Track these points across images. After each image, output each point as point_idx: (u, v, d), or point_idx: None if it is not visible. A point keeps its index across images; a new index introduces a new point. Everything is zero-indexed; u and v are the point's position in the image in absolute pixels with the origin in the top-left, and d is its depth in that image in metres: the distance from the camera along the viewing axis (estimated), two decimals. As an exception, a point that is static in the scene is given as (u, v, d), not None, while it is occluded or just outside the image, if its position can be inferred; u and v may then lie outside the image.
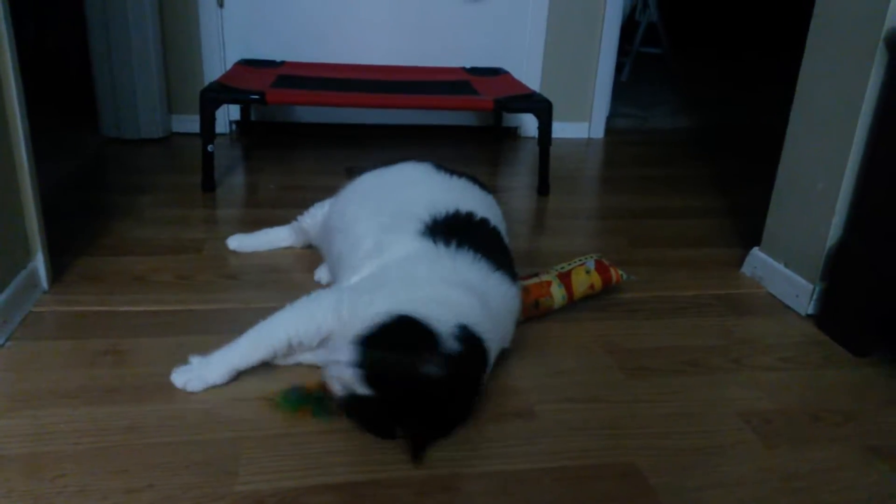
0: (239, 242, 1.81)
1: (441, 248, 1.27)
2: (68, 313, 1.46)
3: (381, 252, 1.29)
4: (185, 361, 1.29)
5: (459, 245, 1.27)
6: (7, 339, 1.34)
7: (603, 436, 1.16)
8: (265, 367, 1.29)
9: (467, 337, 1.11)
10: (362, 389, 1.05)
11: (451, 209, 1.36)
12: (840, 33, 1.52)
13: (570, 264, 1.59)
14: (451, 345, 1.09)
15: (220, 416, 1.16)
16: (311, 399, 1.18)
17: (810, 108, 1.62)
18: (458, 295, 1.18)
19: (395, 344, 1.08)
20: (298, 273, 1.69)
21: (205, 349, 1.34)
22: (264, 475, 1.04)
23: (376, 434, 1.11)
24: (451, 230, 1.31)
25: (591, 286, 1.57)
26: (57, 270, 1.59)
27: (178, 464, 1.05)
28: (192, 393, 1.21)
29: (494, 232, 1.40)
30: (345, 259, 1.37)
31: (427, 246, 1.27)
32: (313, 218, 1.72)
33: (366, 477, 1.05)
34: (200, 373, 1.22)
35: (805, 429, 1.22)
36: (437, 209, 1.35)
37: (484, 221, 1.39)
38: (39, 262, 1.51)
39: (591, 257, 1.62)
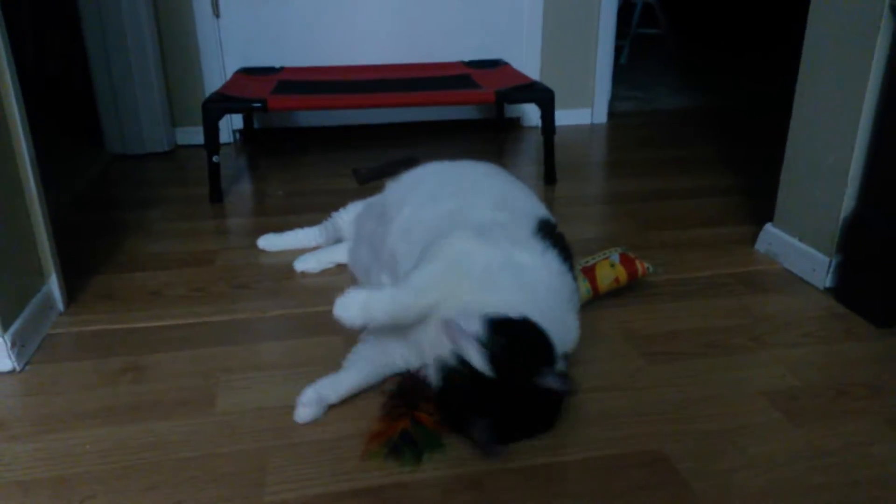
0: (268, 241, 1.83)
1: (564, 267, 1.22)
2: (85, 333, 1.46)
3: (507, 244, 1.19)
4: (204, 375, 1.30)
5: (570, 265, 1.25)
6: (26, 363, 1.35)
7: (627, 424, 1.16)
8: (288, 375, 1.29)
9: (565, 363, 1.12)
10: (481, 365, 1.01)
11: (547, 216, 1.33)
12: (843, 1, 1.50)
13: (594, 258, 1.57)
14: (560, 366, 1.09)
15: (243, 428, 1.16)
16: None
17: (816, 79, 1.60)
18: (570, 321, 1.18)
19: (523, 343, 1.06)
20: (311, 278, 1.69)
21: (224, 361, 1.35)
22: (291, 484, 1.04)
23: (452, 422, 1.10)
24: (558, 240, 1.26)
25: (616, 280, 1.54)
26: (72, 291, 1.60)
27: (205, 478, 1.05)
28: (214, 405, 1.21)
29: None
30: (427, 225, 1.27)
31: (555, 262, 1.21)
32: (349, 214, 1.72)
33: (391, 480, 1.04)
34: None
35: (831, 404, 1.21)
36: (539, 212, 1.32)
37: (563, 236, 1.33)
38: (54, 285, 1.51)
39: (616, 250, 1.59)
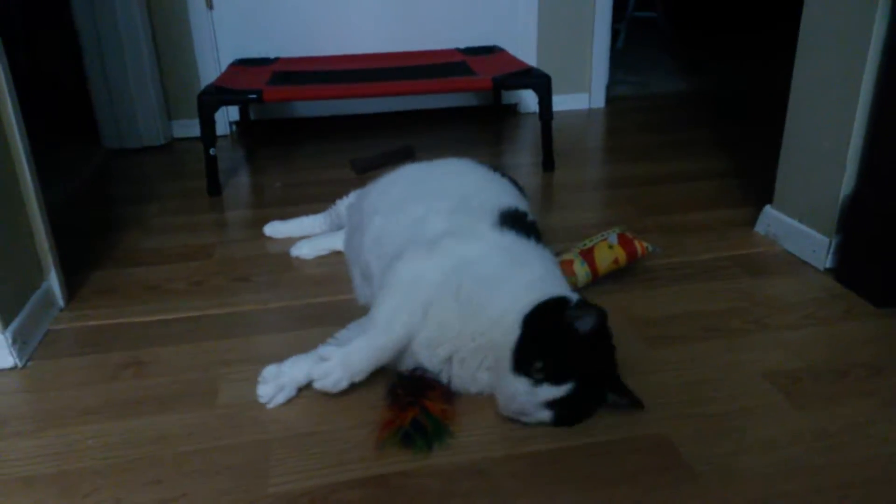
0: (273, 229, 1.86)
1: (527, 241, 1.26)
2: (86, 329, 1.46)
3: (463, 238, 1.24)
4: (205, 368, 1.30)
5: (534, 241, 1.28)
6: (28, 360, 1.35)
7: (628, 410, 1.16)
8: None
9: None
10: (557, 393, 1.05)
11: (513, 206, 1.35)
12: (839, -20, 1.49)
13: (592, 240, 1.56)
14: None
15: (245, 420, 1.16)
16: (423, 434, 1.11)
17: (814, 59, 1.59)
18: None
19: (550, 328, 1.08)
20: (309, 269, 1.69)
21: (225, 353, 1.35)
22: (294, 475, 1.04)
23: (589, 414, 1.12)
24: (523, 226, 1.30)
25: (616, 261, 1.53)
26: (72, 287, 1.60)
27: (209, 470, 1.05)
28: (216, 398, 1.21)
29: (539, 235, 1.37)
30: (395, 237, 1.32)
31: (510, 239, 1.25)
32: (349, 202, 1.74)
33: (395, 468, 1.05)
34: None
35: (833, 385, 1.21)
36: (504, 204, 1.33)
37: (535, 224, 1.37)
38: (54, 281, 1.51)
39: (614, 231, 1.59)
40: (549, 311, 1.09)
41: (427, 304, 1.15)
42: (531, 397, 1.05)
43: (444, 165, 1.56)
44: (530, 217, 1.38)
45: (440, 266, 1.17)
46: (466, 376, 1.16)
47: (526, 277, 1.16)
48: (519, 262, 1.20)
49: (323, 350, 1.18)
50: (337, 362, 1.15)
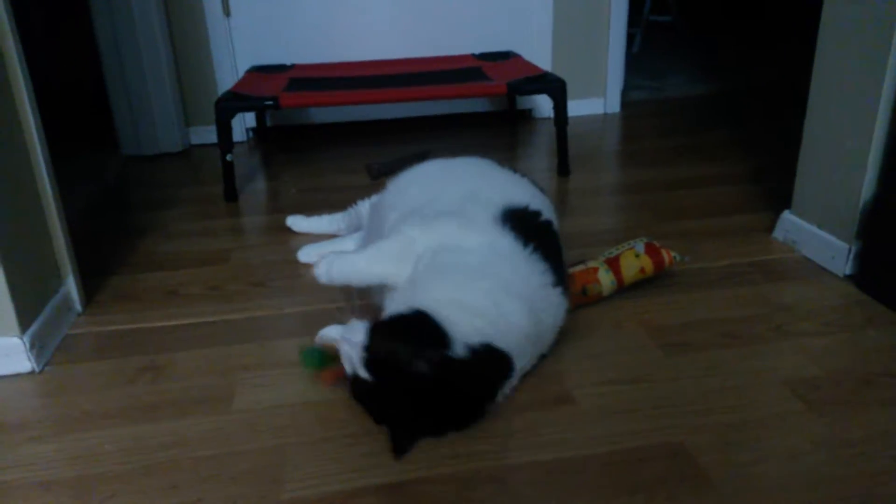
0: (295, 221, 1.94)
1: (518, 248, 1.24)
2: (104, 333, 1.47)
3: (457, 230, 1.27)
4: (222, 373, 1.31)
5: (534, 249, 1.25)
6: (46, 364, 1.36)
7: (647, 417, 1.15)
8: (305, 372, 1.29)
9: (485, 349, 1.09)
10: (364, 373, 1.08)
11: (523, 203, 1.34)
12: (859, -16, 1.47)
13: (618, 249, 1.55)
14: (460, 351, 1.06)
15: (261, 425, 1.16)
16: (330, 360, 1.20)
17: (833, 63, 1.57)
18: (509, 307, 1.15)
19: (403, 337, 1.09)
20: (326, 275, 1.69)
21: (241, 358, 1.35)
22: (310, 481, 1.04)
23: (372, 418, 1.14)
24: (526, 228, 1.28)
25: (642, 270, 1.52)
26: (89, 292, 1.61)
27: (225, 476, 1.06)
28: (232, 403, 1.21)
29: (556, 236, 1.36)
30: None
31: (505, 242, 1.24)
32: (372, 201, 1.76)
33: (411, 476, 1.04)
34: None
35: (855, 393, 1.19)
36: (511, 200, 1.33)
37: (549, 224, 1.36)
38: (72, 286, 1.53)
39: (641, 240, 1.57)
40: (414, 321, 1.10)
41: (406, 265, 1.22)
42: (343, 346, 1.09)
43: (461, 163, 1.54)
44: (545, 217, 1.35)
45: (433, 240, 1.24)
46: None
47: (463, 291, 1.15)
48: (484, 273, 1.19)
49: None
50: (326, 260, 1.29)
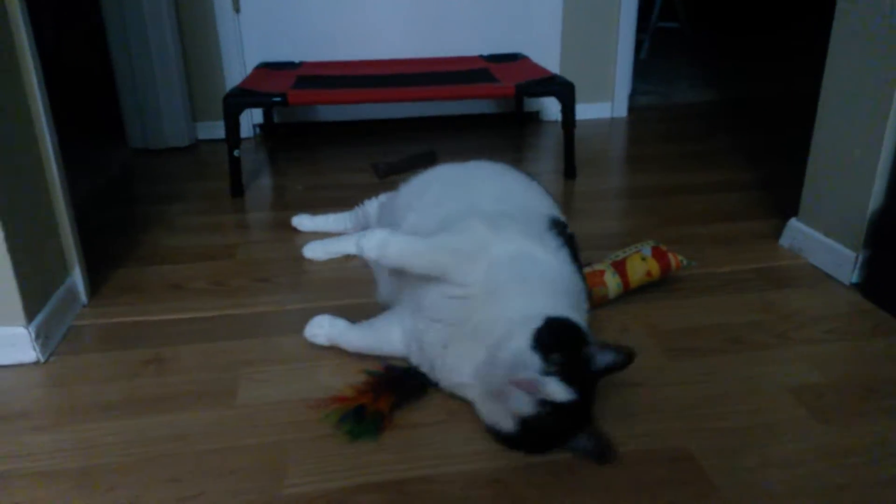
0: (301, 221, 1.92)
1: (574, 264, 1.23)
2: (108, 325, 1.47)
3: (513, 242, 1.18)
4: (225, 367, 1.31)
5: (579, 266, 1.25)
6: (50, 355, 1.36)
7: (651, 420, 1.15)
8: (308, 368, 1.29)
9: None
10: (564, 394, 0.98)
11: (556, 214, 1.32)
12: (871, -8, 1.47)
13: (625, 252, 1.54)
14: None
15: (264, 420, 1.16)
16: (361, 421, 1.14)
17: (843, 73, 1.57)
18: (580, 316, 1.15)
19: (571, 344, 1.04)
20: (329, 272, 1.70)
21: (244, 354, 1.35)
22: (311, 477, 1.04)
23: (550, 447, 1.06)
24: (569, 241, 1.27)
25: (649, 273, 1.51)
26: (95, 284, 1.61)
27: (226, 470, 1.06)
28: (235, 398, 1.21)
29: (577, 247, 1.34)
30: (430, 231, 1.27)
31: (564, 257, 1.21)
32: (377, 204, 1.75)
33: (412, 474, 1.04)
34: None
35: (858, 402, 1.19)
36: (548, 210, 1.31)
37: (573, 236, 1.33)
38: (77, 277, 1.53)
39: (648, 243, 1.56)
40: (570, 331, 1.06)
41: (477, 268, 1.12)
42: (537, 383, 0.97)
43: (480, 167, 1.50)
44: (569, 228, 1.34)
45: (508, 247, 1.15)
46: (451, 365, 1.14)
47: (562, 306, 1.11)
48: (566, 291, 1.16)
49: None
50: (380, 234, 1.16)
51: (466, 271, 1.12)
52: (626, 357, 1.03)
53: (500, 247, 1.14)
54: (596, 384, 1.06)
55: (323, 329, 1.34)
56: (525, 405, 0.99)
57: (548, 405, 0.98)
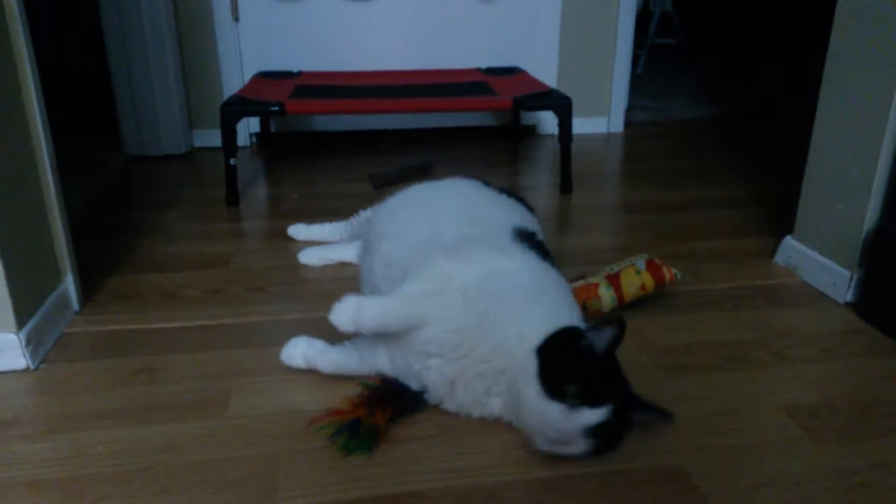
0: (296, 230, 1.91)
1: (546, 263, 1.24)
2: (100, 333, 1.46)
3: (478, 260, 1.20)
4: (217, 377, 1.30)
5: (550, 263, 1.26)
6: (41, 362, 1.35)
7: (645, 437, 1.14)
8: (302, 379, 1.28)
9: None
10: (598, 416, 1.00)
11: (525, 227, 1.34)
12: (870, 7, 1.48)
13: (619, 265, 1.54)
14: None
15: (256, 432, 1.15)
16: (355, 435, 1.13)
17: (840, 89, 1.58)
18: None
19: (570, 350, 1.06)
20: (324, 282, 1.69)
21: (238, 364, 1.34)
22: (304, 490, 1.03)
23: (622, 439, 1.07)
24: (536, 244, 1.29)
25: (643, 286, 1.51)
26: (87, 291, 1.60)
27: (218, 481, 1.04)
28: (227, 409, 1.20)
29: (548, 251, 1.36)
30: (403, 259, 1.30)
31: (533, 259, 1.23)
32: (367, 215, 1.75)
33: (405, 489, 1.03)
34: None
35: (855, 422, 1.19)
36: (518, 225, 1.33)
37: (543, 244, 1.36)
38: (70, 284, 1.52)
39: (643, 257, 1.57)
40: (564, 338, 1.07)
41: (453, 302, 1.12)
42: (569, 423, 1.00)
43: (449, 186, 1.53)
44: (539, 237, 1.37)
45: (474, 272, 1.15)
46: (471, 401, 1.15)
47: (548, 307, 1.13)
48: (544, 289, 1.18)
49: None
50: (351, 303, 1.15)
51: (444, 306, 1.13)
52: (620, 326, 1.04)
53: (464, 275, 1.15)
54: (612, 359, 1.07)
55: (299, 349, 1.29)
56: (580, 445, 1.03)
57: (595, 427, 1.00)
